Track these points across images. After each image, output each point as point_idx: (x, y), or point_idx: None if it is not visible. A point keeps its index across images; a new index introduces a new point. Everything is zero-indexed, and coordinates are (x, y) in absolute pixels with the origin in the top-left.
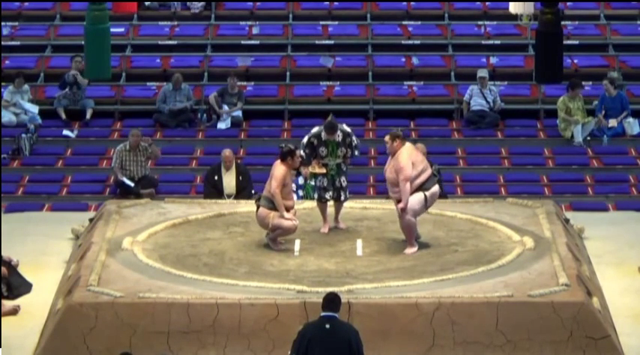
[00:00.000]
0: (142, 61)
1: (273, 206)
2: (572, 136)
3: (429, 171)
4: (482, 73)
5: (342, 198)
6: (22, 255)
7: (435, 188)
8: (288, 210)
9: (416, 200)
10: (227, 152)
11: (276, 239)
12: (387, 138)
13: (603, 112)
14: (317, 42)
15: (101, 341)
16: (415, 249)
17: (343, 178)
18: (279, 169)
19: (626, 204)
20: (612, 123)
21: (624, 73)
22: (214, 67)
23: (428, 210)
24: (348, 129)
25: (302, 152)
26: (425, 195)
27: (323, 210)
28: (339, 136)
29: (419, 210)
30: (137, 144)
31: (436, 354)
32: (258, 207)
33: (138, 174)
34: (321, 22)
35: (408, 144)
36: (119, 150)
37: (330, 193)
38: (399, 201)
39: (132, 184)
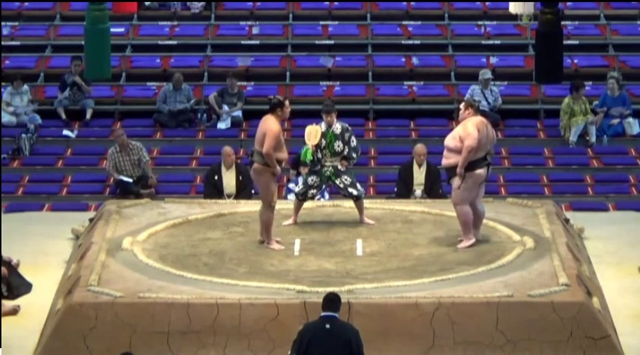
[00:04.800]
0: (142, 61)
1: (266, 161)
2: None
3: (483, 153)
4: (487, 74)
5: (356, 193)
6: (22, 255)
7: (480, 170)
8: (280, 163)
9: (461, 188)
10: (227, 148)
11: (270, 240)
12: (461, 105)
13: (604, 110)
14: (317, 42)
15: (101, 341)
16: (470, 242)
17: (345, 177)
18: (271, 125)
19: (626, 204)
20: (616, 112)
21: (624, 73)
22: (214, 67)
23: (429, 210)
24: (348, 126)
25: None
26: (464, 177)
27: (297, 207)
28: (337, 129)
29: (467, 196)
30: (125, 143)
31: (436, 354)
32: (251, 163)
33: (135, 173)
34: (321, 22)
35: (479, 118)
36: (111, 152)
37: (314, 192)
38: (447, 168)
39: (130, 180)
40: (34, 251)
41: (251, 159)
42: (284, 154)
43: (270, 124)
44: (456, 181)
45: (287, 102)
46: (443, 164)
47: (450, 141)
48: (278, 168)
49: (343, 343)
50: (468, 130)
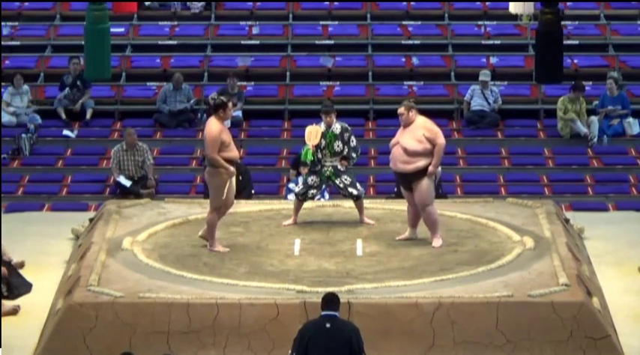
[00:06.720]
0: (142, 61)
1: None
2: (572, 135)
3: None
4: (485, 76)
5: (355, 193)
6: (22, 255)
7: (439, 166)
8: (231, 162)
9: (430, 189)
10: None
11: (213, 243)
12: (401, 109)
13: (606, 109)
14: (317, 42)
15: (101, 341)
16: (441, 241)
17: (345, 177)
18: (211, 128)
19: (626, 204)
20: (611, 110)
21: (624, 73)
22: (214, 67)
23: None
24: (347, 126)
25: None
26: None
27: (297, 208)
28: (337, 129)
29: (434, 194)
30: (134, 143)
31: (436, 354)
32: (204, 167)
33: (137, 173)
34: (321, 22)
35: (423, 117)
36: (116, 150)
37: (314, 192)
38: (406, 174)
39: (127, 184)
40: (34, 251)
41: (205, 163)
42: (233, 153)
43: (209, 127)
44: (425, 182)
45: (230, 104)
46: (409, 169)
47: (416, 145)
48: (231, 168)
49: (344, 342)
50: (433, 130)
